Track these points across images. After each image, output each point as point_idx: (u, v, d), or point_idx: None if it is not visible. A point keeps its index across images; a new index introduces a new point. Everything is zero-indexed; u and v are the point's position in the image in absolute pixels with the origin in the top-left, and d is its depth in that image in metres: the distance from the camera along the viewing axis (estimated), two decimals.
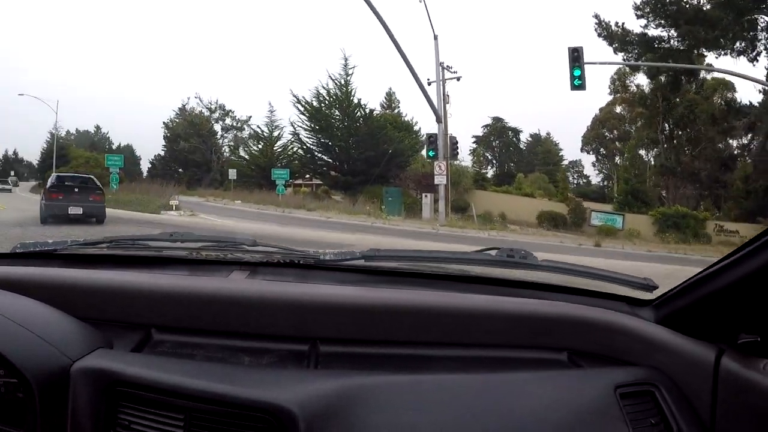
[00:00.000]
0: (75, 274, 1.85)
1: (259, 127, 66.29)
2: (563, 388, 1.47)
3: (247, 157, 66.71)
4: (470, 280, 2.01)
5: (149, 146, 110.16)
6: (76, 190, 21.53)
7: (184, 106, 75.94)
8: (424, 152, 39.95)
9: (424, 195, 38.50)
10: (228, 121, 75.75)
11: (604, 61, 34.84)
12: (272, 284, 1.89)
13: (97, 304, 1.73)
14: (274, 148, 64.48)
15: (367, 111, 53.70)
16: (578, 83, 26.07)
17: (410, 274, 2.06)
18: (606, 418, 1.39)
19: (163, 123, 78.58)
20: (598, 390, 1.46)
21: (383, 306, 1.73)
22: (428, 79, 37.12)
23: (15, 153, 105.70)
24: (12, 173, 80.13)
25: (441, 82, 38.42)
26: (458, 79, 41.29)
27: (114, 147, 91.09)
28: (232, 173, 55.46)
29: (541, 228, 37.03)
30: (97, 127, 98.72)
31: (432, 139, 36.62)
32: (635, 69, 49.18)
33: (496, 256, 2.03)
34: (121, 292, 1.76)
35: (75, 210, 20.37)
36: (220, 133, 75.21)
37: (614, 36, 42.59)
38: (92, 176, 26.09)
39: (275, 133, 65.84)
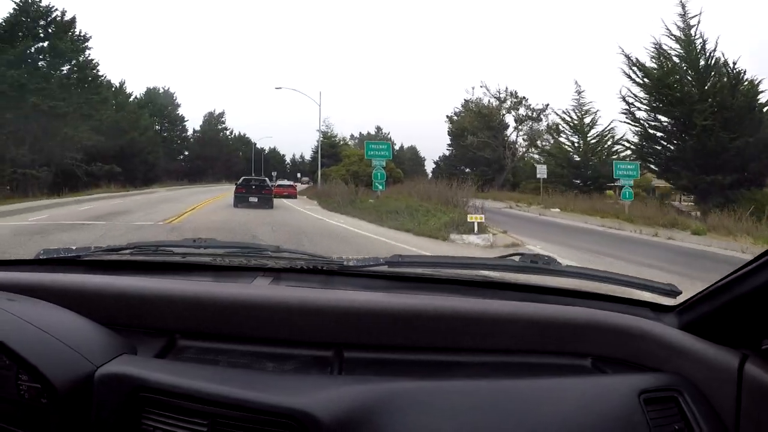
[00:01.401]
0: (99, 280, 1.81)
1: (567, 113, 51.61)
2: (587, 394, 1.43)
3: (549, 149, 55.22)
4: (494, 286, 1.97)
5: (434, 147, 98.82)
6: (254, 187, 29.47)
7: (470, 99, 65.90)
8: None
9: None
10: (522, 110, 61.79)
11: None
12: (296, 290, 1.82)
13: (121, 310, 1.69)
14: (588, 138, 49.90)
15: (733, 74, 33.47)
16: None
17: (434, 280, 2.01)
18: (630, 424, 1.36)
19: (447, 117, 70.03)
20: (622, 396, 1.42)
21: (407, 312, 1.67)
22: None
23: (302, 156, 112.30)
24: (298, 174, 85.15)
25: None
26: None
27: (396, 148, 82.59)
28: (542, 170, 42.00)
29: None
30: (378, 128, 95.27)
31: None
32: None
33: (520, 261, 2.01)
34: (145, 298, 1.71)
35: (253, 199, 28.25)
36: (513, 125, 62.42)
37: None
38: (266, 178, 35.30)
39: (586, 120, 50.80)
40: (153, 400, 1.31)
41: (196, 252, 2.29)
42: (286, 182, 48.51)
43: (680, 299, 1.73)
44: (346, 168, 47.86)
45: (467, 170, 62.76)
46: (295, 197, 41.54)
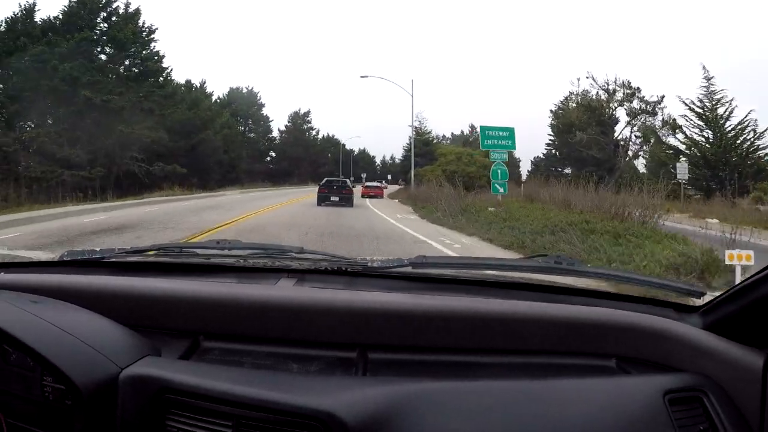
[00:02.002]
0: (122, 281, 1.77)
1: (697, 103, 43.08)
2: (612, 395, 1.40)
3: (680, 145, 45.57)
4: (518, 287, 1.92)
5: (530, 148, 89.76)
6: (335, 187, 30.62)
7: (574, 91, 56.63)
8: None
9: None
10: (635, 103, 50.97)
11: None
12: (320, 291, 1.79)
13: (145, 311, 1.66)
14: (724, 132, 41.71)
15: None
16: None
17: (458, 281, 1.98)
18: (655, 425, 1.33)
19: (551, 111, 61.64)
20: (647, 396, 1.38)
21: (431, 313, 1.63)
22: None
23: (392, 157, 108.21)
24: (389, 176, 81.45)
25: None
26: None
27: None
28: (682, 170, 34.29)
29: None
30: (472, 127, 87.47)
31: None
32: None
33: (544, 262, 1.97)
34: (169, 300, 1.68)
35: (334, 198, 29.37)
36: (624, 120, 52.30)
37: None
38: (346, 180, 35.30)
39: (720, 111, 42.30)
40: (177, 401, 1.28)
41: (220, 254, 2.19)
42: (373, 183, 52.18)
43: (704, 300, 1.70)
44: (443, 168, 41.60)
45: (567, 171, 54.67)
46: (382, 197, 44.02)
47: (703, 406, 1.38)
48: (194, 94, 51.53)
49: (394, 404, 1.25)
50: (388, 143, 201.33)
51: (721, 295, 1.55)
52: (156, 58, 39.99)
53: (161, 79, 41.01)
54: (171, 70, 41.61)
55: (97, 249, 2.12)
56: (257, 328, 1.61)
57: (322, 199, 29.47)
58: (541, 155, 67.29)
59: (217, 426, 1.24)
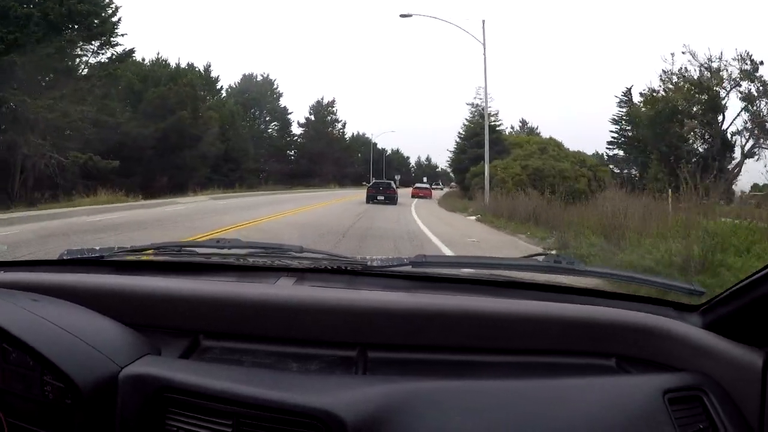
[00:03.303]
0: (122, 280, 1.78)
1: None
2: (612, 394, 1.41)
3: None
4: (518, 286, 1.93)
5: (581, 147, 76.63)
6: (381, 188, 34.67)
7: (669, 70, 41.92)
8: None
9: None
10: (754, 84, 36.95)
11: None
12: (320, 290, 1.78)
13: (145, 310, 1.66)
14: None
15: None
16: None
17: (458, 280, 1.96)
18: (655, 423, 1.33)
19: (622, 99, 50.75)
20: (646, 395, 1.39)
21: (431, 312, 1.64)
22: None
23: (428, 158, 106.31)
24: (424, 179, 76.81)
25: None
26: None
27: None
28: None
29: None
30: (523, 122, 78.81)
31: None
32: None
33: (544, 261, 1.95)
34: (169, 299, 1.69)
35: (380, 197, 33.08)
36: (741, 105, 38.09)
37: None
38: (391, 181, 39.21)
39: None
40: (177, 400, 1.28)
41: (219, 252, 2.13)
42: (422, 185, 57.78)
43: (704, 299, 1.68)
44: (520, 163, 30.35)
45: (636, 175, 43.16)
46: (430, 197, 48.87)
47: (702, 405, 1.37)
48: (177, 70, 40.14)
49: (394, 403, 1.24)
50: (423, 144, 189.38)
51: (720, 294, 1.54)
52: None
53: (100, 31, 27.24)
54: (120, 20, 27.99)
55: (97, 248, 2.08)
56: (257, 326, 1.59)
57: (371, 198, 33.26)
58: (606, 153, 55.86)
59: (217, 425, 1.22)
